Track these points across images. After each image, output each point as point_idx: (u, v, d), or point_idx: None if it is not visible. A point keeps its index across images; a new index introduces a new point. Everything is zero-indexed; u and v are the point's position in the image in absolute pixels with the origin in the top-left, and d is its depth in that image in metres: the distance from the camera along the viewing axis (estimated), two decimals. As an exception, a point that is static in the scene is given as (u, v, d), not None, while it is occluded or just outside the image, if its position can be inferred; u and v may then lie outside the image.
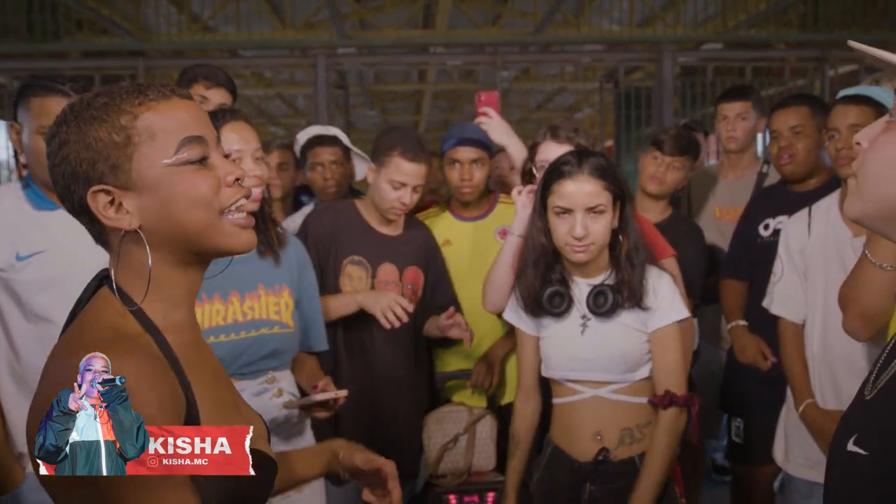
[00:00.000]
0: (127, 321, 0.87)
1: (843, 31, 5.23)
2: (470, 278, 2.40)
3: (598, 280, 1.75)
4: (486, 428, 2.27)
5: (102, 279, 0.92)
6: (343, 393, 1.65)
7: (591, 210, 1.67)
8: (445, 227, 2.41)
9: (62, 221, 1.70)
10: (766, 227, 2.43)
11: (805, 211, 2.05)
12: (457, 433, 2.28)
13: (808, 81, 5.32)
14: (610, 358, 1.70)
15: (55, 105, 1.62)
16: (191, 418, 0.86)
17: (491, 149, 2.39)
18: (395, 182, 2.13)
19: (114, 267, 0.90)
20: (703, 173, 2.96)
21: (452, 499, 2.21)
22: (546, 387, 1.86)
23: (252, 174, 1.66)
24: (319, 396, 1.63)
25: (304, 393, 1.81)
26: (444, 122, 11.61)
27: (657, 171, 2.41)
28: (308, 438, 1.85)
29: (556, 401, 1.80)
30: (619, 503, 1.69)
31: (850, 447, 0.79)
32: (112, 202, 0.87)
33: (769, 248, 2.29)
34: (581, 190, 1.67)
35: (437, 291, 2.30)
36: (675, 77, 5.27)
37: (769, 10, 5.62)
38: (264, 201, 1.75)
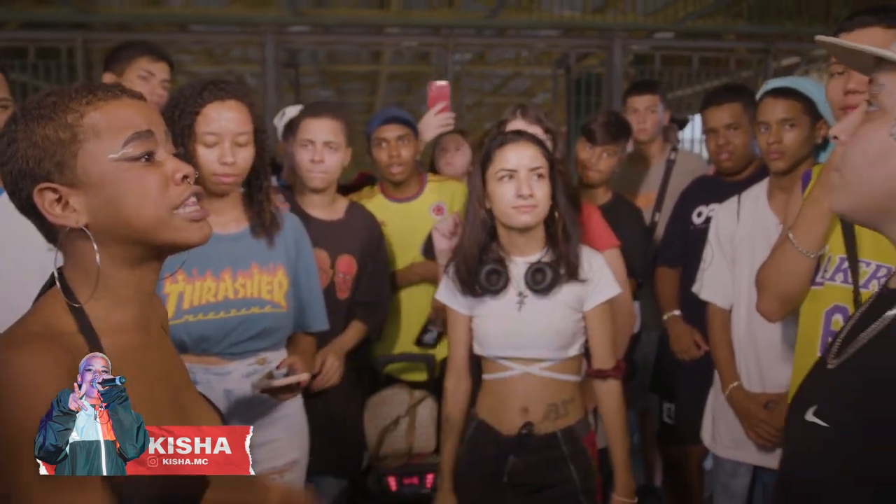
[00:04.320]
0: (64, 319, 0.88)
1: (789, 24, 5.36)
2: (403, 258, 2.43)
3: (534, 258, 1.78)
4: (427, 410, 2.29)
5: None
6: (304, 377, 1.65)
7: (534, 171, 1.72)
8: (378, 209, 2.41)
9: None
10: (699, 214, 2.49)
11: (735, 199, 2.11)
12: (398, 415, 2.30)
13: (752, 73, 5.44)
14: (546, 335, 1.74)
15: None
16: None
17: (415, 127, 2.42)
18: (302, 140, 2.12)
19: (64, 265, 0.92)
20: None
21: (392, 480, 2.24)
22: (476, 365, 1.90)
23: (223, 160, 1.61)
24: (279, 382, 1.62)
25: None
26: (400, 104, 11.53)
27: (590, 160, 2.44)
28: (297, 420, 1.83)
29: (486, 377, 1.83)
30: (539, 475, 1.75)
31: (810, 417, 0.78)
32: (59, 200, 0.88)
33: (701, 235, 2.36)
34: (524, 152, 1.73)
35: (367, 285, 2.24)
36: (629, 64, 5.32)
37: (719, 1, 5.72)
38: (258, 182, 1.72)
